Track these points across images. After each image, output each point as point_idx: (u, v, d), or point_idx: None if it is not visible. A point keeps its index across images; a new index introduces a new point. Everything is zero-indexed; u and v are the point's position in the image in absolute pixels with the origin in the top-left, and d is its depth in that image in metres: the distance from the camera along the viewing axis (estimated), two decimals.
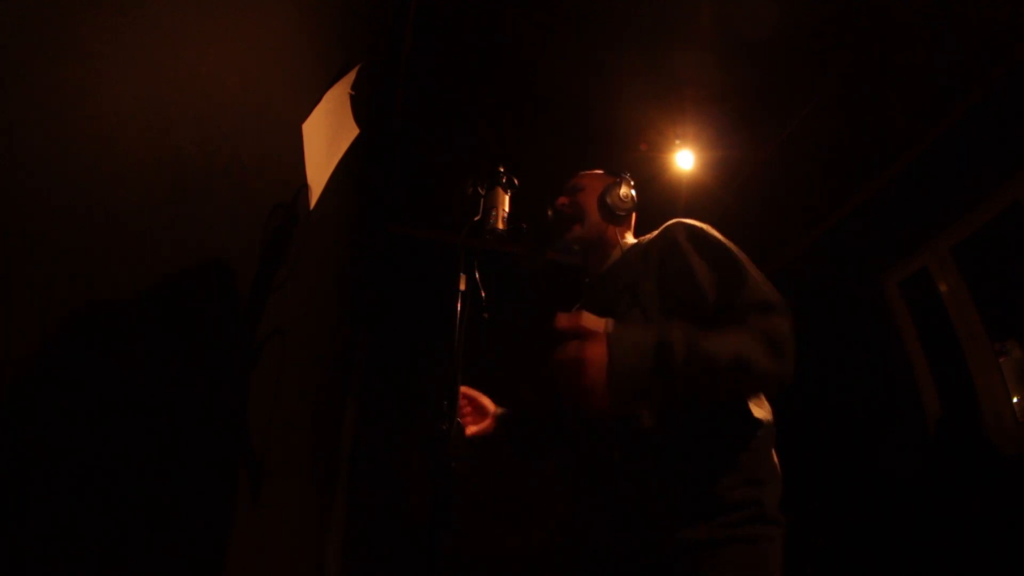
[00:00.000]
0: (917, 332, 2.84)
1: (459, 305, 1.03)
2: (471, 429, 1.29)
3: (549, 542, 2.73)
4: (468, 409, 1.34)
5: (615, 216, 1.28)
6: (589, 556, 1.08)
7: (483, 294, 1.06)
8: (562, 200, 1.33)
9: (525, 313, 3.25)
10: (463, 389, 1.32)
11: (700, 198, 3.34)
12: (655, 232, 1.19)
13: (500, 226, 1.11)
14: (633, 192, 1.31)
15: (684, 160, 3.07)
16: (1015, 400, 2.33)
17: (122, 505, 0.67)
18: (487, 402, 1.35)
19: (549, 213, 1.32)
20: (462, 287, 1.05)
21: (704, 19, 2.41)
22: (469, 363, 1.01)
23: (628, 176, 1.33)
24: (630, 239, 1.31)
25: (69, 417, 0.56)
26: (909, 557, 2.41)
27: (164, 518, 0.79)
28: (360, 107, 1.43)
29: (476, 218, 1.13)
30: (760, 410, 1.03)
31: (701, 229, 1.11)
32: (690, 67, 2.61)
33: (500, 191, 1.14)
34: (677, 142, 3.01)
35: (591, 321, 0.85)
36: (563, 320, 0.86)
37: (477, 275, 1.08)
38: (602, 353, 0.82)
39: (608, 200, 1.27)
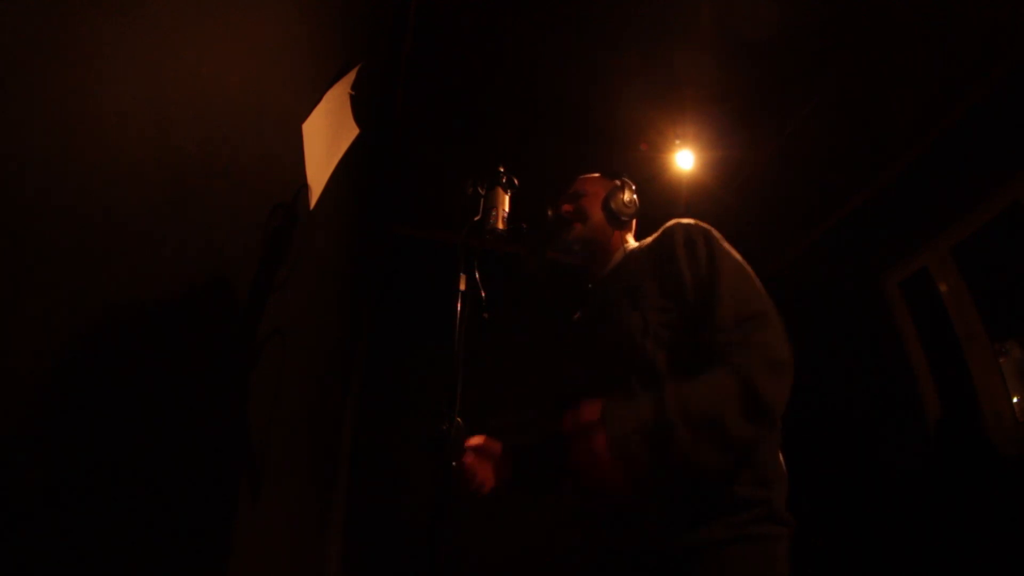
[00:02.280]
0: (917, 332, 2.84)
1: (459, 305, 1.03)
2: (487, 489, 1.16)
3: (553, 542, 2.73)
4: (476, 466, 1.17)
5: (618, 220, 1.29)
6: (595, 555, 1.08)
7: (483, 294, 1.06)
8: (566, 207, 1.33)
9: (525, 313, 3.26)
10: (469, 445, 1.17)
11: (700, 198, 3.34)
12: (655, 235, 1.19)
13: (500, 226, 1.11)
14: (636, 197, 1.31)
15: (684, 160, 3.07)
16: (1015, 400, 2.33)
17: (122, 505, 0.67)
18: (495, 447, 1.22)
19: (549, 213, 1.32)
20: (462, 287, 1.05)
21: (704, 19, 2.41)
22: (469, 363, 1.01)
23: (627, 179, 1.33)
24: (632, 242, 1.32)
25: (69, 417, 0.56)
26: (909, 557, 2.41)
27: (164, 518, 0.79)
28: (360, 107, 1.43)
29: (476, 218, 1.13)
30: None
31: (694, 233, 1.10)
32: (690, 67, 2.61)
33: (500, 191, 1.14)
34: (677, 142, 3.01)
35: (588, 413, 0.86)
36: (568, 422, 0.87)
37: (477, 275, 1.08)
38: (601, 444, 0.83)
39: (612, 206, 1.28)
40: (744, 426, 0.86)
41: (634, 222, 1.36)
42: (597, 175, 1.38)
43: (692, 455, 0.84)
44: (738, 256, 1.08)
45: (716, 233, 1.11)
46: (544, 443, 1.26)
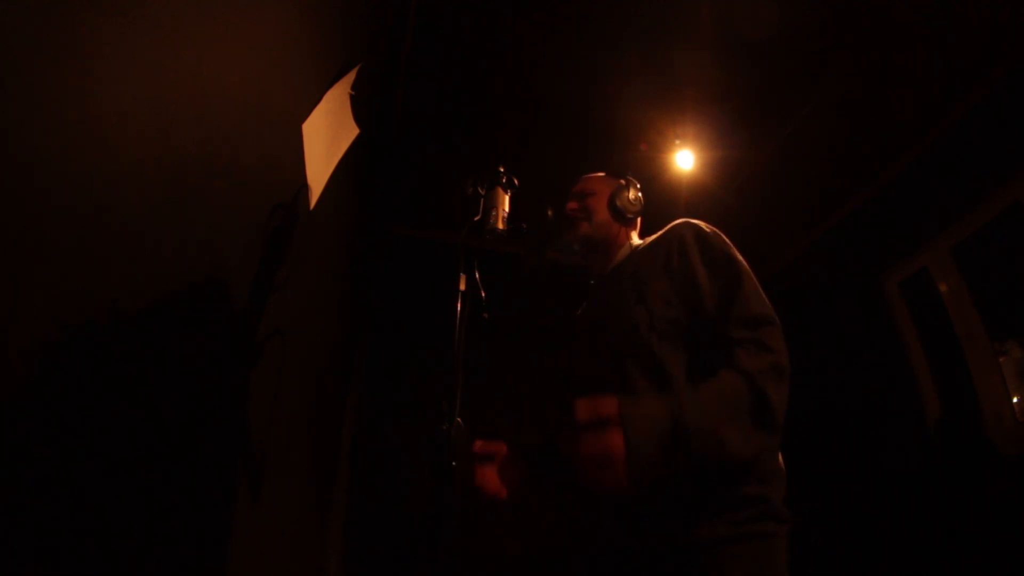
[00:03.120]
0: (917, 332, 2.84)
1: (459, 305, 1.03)
2: (503, 495, 1.13)
3: (553, 541, 2.73)
4: (487, 473, 1.14)
5: (624, 219, 1.29)
6: (595, 554, 1.08)
7: (483, 294, 1.06)
8: (572, 206, 1.33)
9: (526, 313, 3.25)
10: (476, 450, 1.15)
11: (700, 198, 3.34)
12: (661, 231, 1.19)
13: (500, 226, 1.11)
14: (641, 195, 1.32)
15: (684, 160, 3.07)
16: (1015, 400, 2.33)
17: (122, 504, 0.67)
18: (501, 448, 1.19)
19: (549, 213, 1.32)
20: (462, 287, 1.05)
21: (704, 19, 2.41)
22: (469, 363, 1.01)
23: (632, 178, 1.33)
24: (636, 239, 1.32)
25: (70, 416, 0.56)
26: (909, 557, 2.41)
27: (164, 517, 0.79)
28: (360, 107, 1.43)
29: (476, 218, 1.13)
30: None
31: (708, 233, 1.11)
32: (690, 67, 2.61)
33: (500, 191, 1.14)
34: (677, 142, 3.01)
35: (607, 406, 0.85)
36: (582, 410, 0.86)
37: (477, 275, 1.08)
38: (618, 444, 0.82)
39: (618, 203, 1.28)
40: (756, 436, 0.87)
41: (639, 220, 1.36)
42: (602, 174, 1.38)
43: (703, 464, 0.85)
44: (744, 264, 1.08)
45: (725, 237, 1.12)
46: (554, 439, 1.26)
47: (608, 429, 0.83)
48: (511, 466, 1.17)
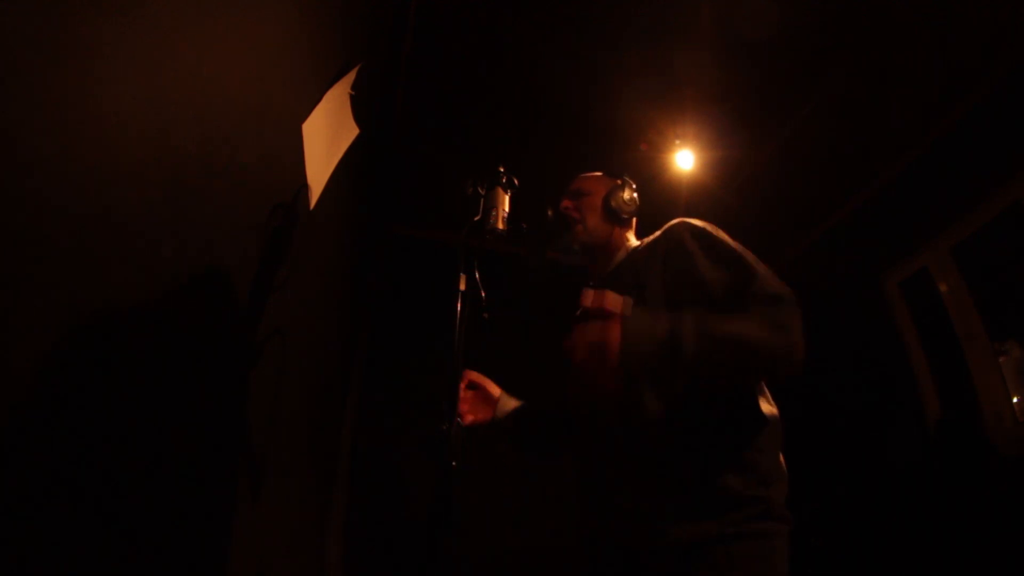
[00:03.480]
0: (917, 332, 2.84)
1: (459, 305, 1.03)
2: (468, 418, 1.24)
3: (553, 540, 2.73)
4: (469, 395, 1.28)
5: (619, 218, 1.29)
6: (596, 553, 1.08)
7: (483, 294, 1.06)
8: (566, 203, 1.33)
9: (525, 313, 3.25)
10: (469, 374, 1.27)
11: (700, 198, 3.34)
12: (658, 232, 1.19)
13: (500, 226, 1.11)
14: (636, 195, 1.32)
15: (684, 160, 3.07)
16: (1015, 400, 2.33)
17: (122, 504, 0.67)
18: (494, 389, 1.30)
19: (549, 213, 1.33)
20: (462, 287, 1.05)
21: (704, 19, 2.41)
22: (469, 363, 1.01)
23: (628, 179, 1.33)
24: (633, 240, 1.32)
25: (69, 417, 0.56)
26: (909, 557, 2.41)
27: (164, 517, 0.79)
28: (360, 107, 1.43)
29: (476, 218, 1.13)
30: (768, 406, 1.03)
31: (705, 228, 1.11)
32: (690, 67, 2.61)
33: (500, 191, 1.14)
34: (677, 142, 3.01)
35: (613, 301, 0.87)
36: (589, 298, 0.87)
37: (477, 275, 1.08)
38: (616, 335, 0.83)
39: (613, 203, 1.28)
40: (767, 335, 0.88)
41: (634, 220, 1.36)
42: (598, 174, 1.38)
43: (708, 366, 0.86)
44: (747, 252, 1.08)
45: (723, 232, 1.12)
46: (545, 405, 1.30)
47: (610, 321, 0.84)
48: (488, 405, 1.27)
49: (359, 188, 2.45)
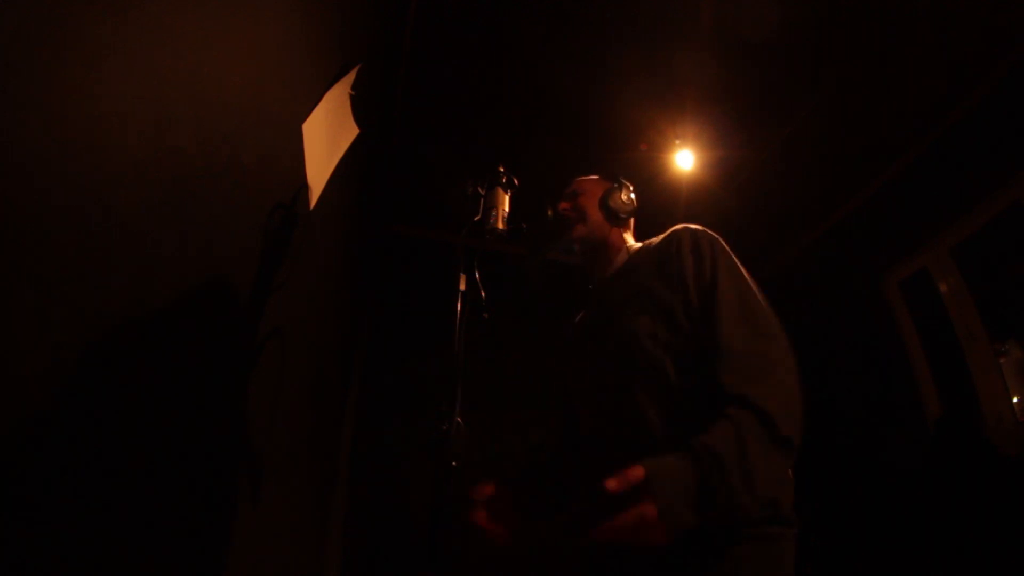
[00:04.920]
0: (917, 332, 2.84)
1: (459, 305, 1.03)
2: (502, 541, 1.12)
3: (555, 540, 2.72)
4: (486, 515, 1.12)
5: (617, 219, 1.29)
6: (601, 554, 1.07)
7: (483, 294, 1.06)
8: (564, 205, 1.33)
9: (525, 313, 3.25)
10: (477, 495, 1.12)
11: (700, 198, 3.33)
12: (661, 236, 1.19)
13: (500, 226, 1.11)
14: (633, 196, 1.32)
15: (684, 160, 3.07)
16: (1015, 400, 2.33)
17: (123, 504, 0.67)
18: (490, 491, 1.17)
19: (549, 213, 1.32)
20: (462, 287, 1.05)
21: (704, 19, 2.41)
22: (469, 363, 1.01)
23: (624, 181, 1.33)
24: (632, 241, 1.32)
25: (69, 416, 0.56)
26: (909, 557, 2.41)
27: (164, 518, 0.79)
28: (360, 107, 1.43)
29: (476, 218, 1.13)
30: None
31: (701, 240, 1.10)
32: (690, 67, 2.61)
33: (500, 191, 1.14)
34: (677, 142, 3.01)
35: (635, 475, 0.84)
36: (613, 484, 0.85)
37: (477, 275, 1.07)
38: (652, 512, 0.81)
39: (610, 204, 1.28)
40: (779, 464, 0.88)
41: (632, 221, 1.36)
42: (595, 176, 1.38)
43: (736, 508, 0.84)
44: (743, 270, 1.08)
45: (724, 244, 1.11)
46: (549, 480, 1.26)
47: (639, 499, 0.82)
48: (505, 508, 1.15)
49: (359, 188, 2.45)
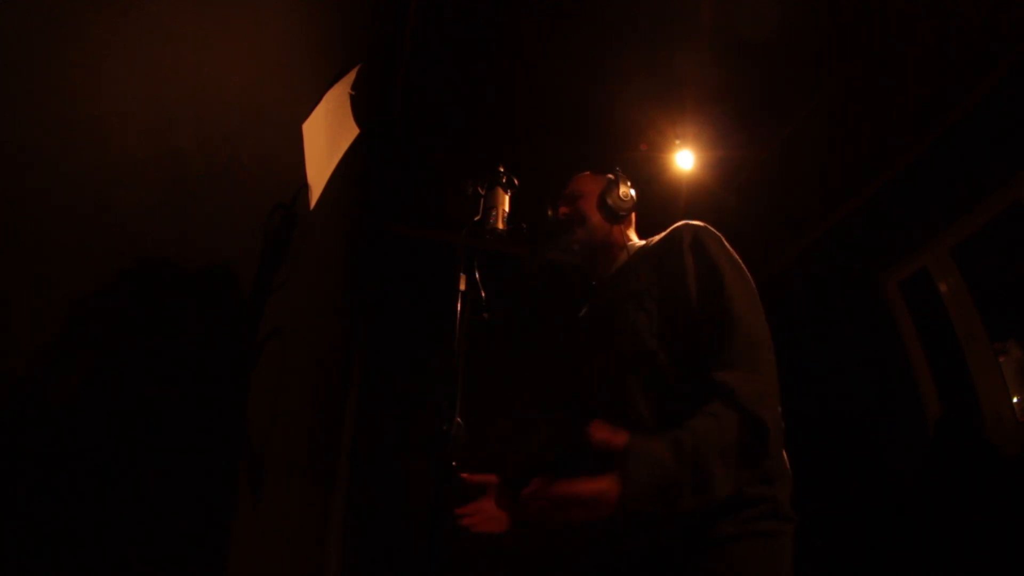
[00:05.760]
0: (917, 332, 2.84)
1: (459, 305, 1.03)
2: (498, 529, 1.12)
3: (558, 540, 2.72)
4: (475, 507, 1.14)
5: (617, 216, 1.27)
6: (601, 553, 1.08)
7: (483, 294, 1.06)
8: (563, 210, 1.32)
9: (525, 313, 3.25)
10: (468, 479, 1.13)
11: (700, 198, 3.34)
12: (664, 233, 1.18)
13: (500, 226, 1.11)
14: (632, 190, 1.30)
15: (684, 160, 3.07)
16: (1015, 400, 2.33)
17: (123, 504, 0.67)
18: (490, 480, 1.18)
19: (549, 212, 1.32)
20: (462, 287, 1.05)
21: (704, 19, 2.41)
22: (469, 363, 1.01)
23: (620, 171, 1.31)
24: (634, 238, 1.30)
25: (69, 416, 0.56)
26: (909, 557, 2.41)
27: (164, 517, 0.79)
28: (360, 107, 1.43)
29: (476, 218, 1.13)
30: None
31: (703, 238, 1.09)
32: (690, 67, 2.61)
33: (500, 191, 1.14)
34: (677, 142, 3.01)
35: (616, 443, 0.84)
36: (598, 432, 0.84)
37: (477, 275, 1.07)
38: (611, 501, 0.82)
39: (609, 201, 1.26)
40: (740, 476, 0.87)
41: (633, 215, 1.34)
42: (588, 173, 1.36)
43: (686, 506, 0.84)
44: (744, 268, 1.07)
45: (725, 240, 1.11)
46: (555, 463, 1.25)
47: (609, 474, 0.83)
48: (504, 500, 1.15)
49: (359, 188, 2.45)
